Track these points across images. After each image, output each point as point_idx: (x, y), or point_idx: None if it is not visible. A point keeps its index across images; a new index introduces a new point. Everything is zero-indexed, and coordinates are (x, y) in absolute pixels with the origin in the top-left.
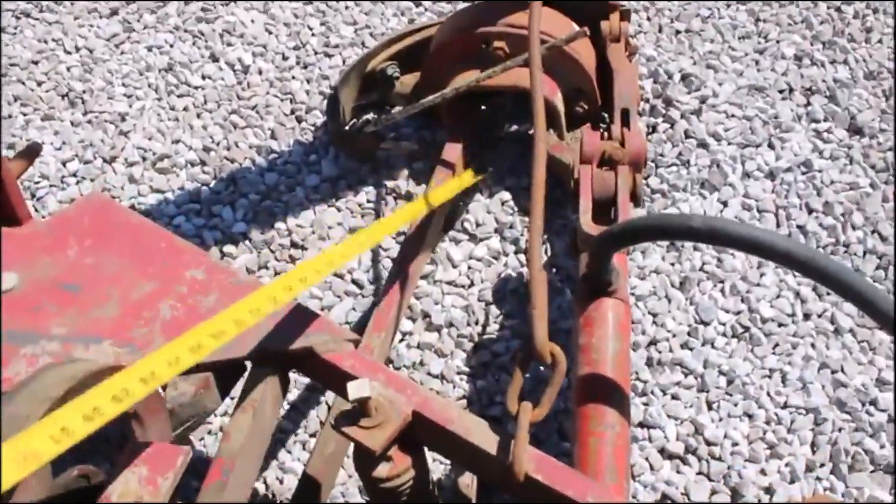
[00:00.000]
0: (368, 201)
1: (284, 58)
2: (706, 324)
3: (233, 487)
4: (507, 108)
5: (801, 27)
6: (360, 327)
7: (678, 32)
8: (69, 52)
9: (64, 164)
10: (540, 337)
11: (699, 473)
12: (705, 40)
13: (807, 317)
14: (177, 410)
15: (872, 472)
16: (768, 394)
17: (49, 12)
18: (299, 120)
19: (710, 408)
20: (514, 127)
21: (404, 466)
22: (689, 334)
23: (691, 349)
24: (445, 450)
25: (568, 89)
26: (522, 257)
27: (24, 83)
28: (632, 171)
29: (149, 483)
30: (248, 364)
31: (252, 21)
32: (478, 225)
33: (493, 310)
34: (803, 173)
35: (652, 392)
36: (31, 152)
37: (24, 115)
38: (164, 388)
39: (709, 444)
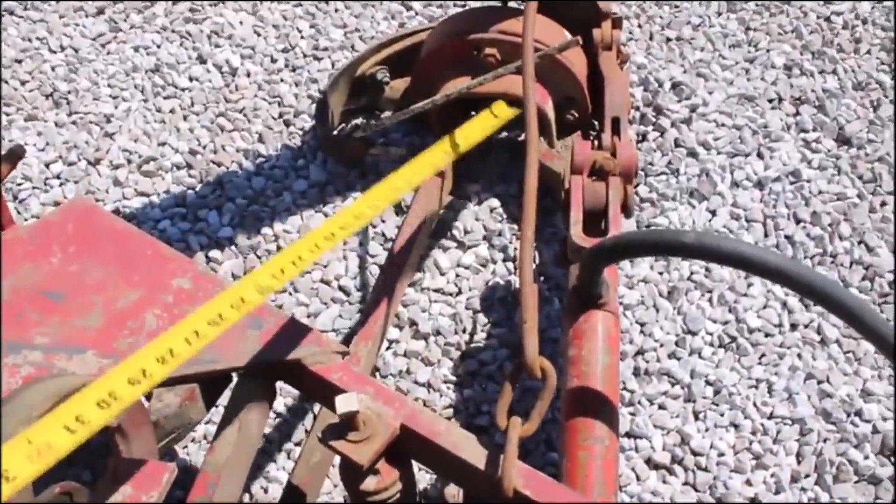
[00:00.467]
0: None
1: (273, 60)
2: (693, 333)
3: (218, 502)
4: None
5: (791, 37)
6: (347, 334)
7: (669, 40)
8: (54, 52)
9: (47, 165)
10: (530, 351)
11: (685, 484)
12: (696, 48)
13: (793, 327)
14: (161, 422)
15: (857, 482)
16: (755, 404)
17: (34, 10)
18: (287, 124)
19: (696, 418)
20: (504, 134)
21: (391, 480)
22: (676, 344)
23: (678, 359)
24: (433, 463)
25: (559, 97)
26: (511, 265)
27: (7, 82)
28: (623, 182)
29: (133, 500)
30: (234, 375)
31: (240, 22)
32: (466, 232)
33: (481, 318)
34: (791, 183)
35: (639, 402)
36: (15, 155)
37: (7, 115)
38: (149, 399)
39: (695, 454)
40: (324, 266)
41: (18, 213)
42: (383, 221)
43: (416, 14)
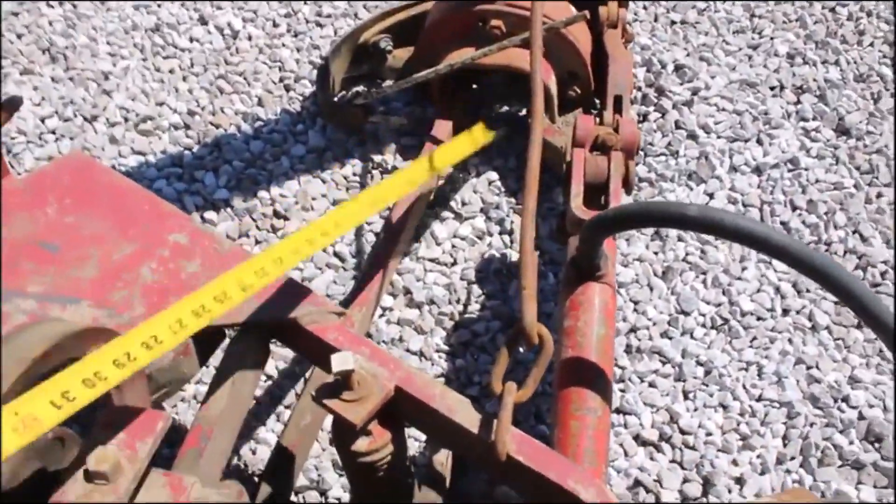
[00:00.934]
0: (354, 174)
1: (275, 24)
2: (687, 314)
3: (210, 455)
4: (498, 89)
5: (796, 25)
6: (341, 300)
7: (673, 23)
8: (52, 6)
9: (43, 120)
10: (529, 318)
11: (672, 461)
12: (700, 32)
13: (785, 312)
14: (154, 375)
15: (840, 466)
16: (744, 386)
17: None
18: (287, 89)
19: (686, 397)
20: (504, 108)
21: (384, 441)
22: (669, 323)
23: (671, 338)
24: (427, 427)
25: (562, 73)
26: (507, 238)
27: (2, 35)
28: (624, 157)
29: (127, 447)
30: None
31: None
32: (463, 204)
33: (475, 289)
34: (790, 170)
35: (629, 379)
36: (11, 105)
37: (2, 67)
38: None
39: (683, 432)
40: None
41: (12, 166)
42: None
43: None
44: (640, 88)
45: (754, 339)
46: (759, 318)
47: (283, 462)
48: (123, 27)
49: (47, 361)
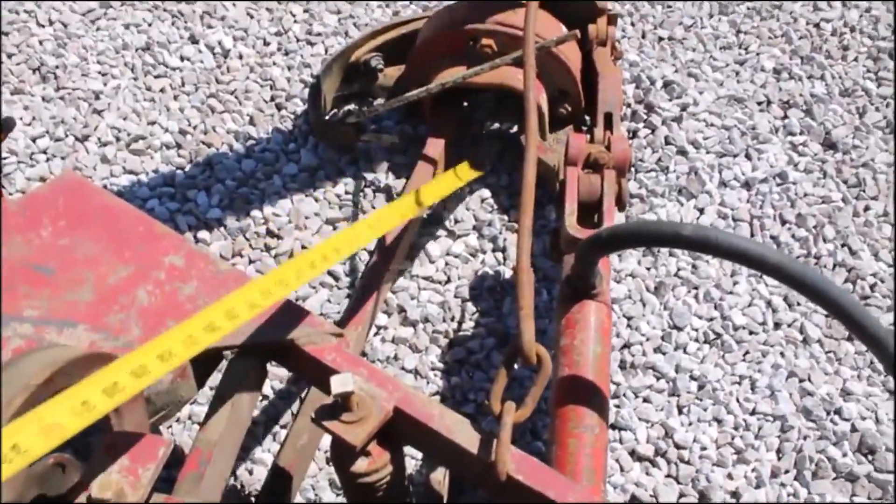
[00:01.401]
0: (347, 192)
1: (266, 43)
2: (679, 329)
3: (210, 478)
4: (489, 106)
5: (781, 41)
6: (335, 319)
7: (661, 39)
8: (42, 25)
9: (34, 140)
10: (527, 337)
11: (668, 476)
12: (687, 49)
13: (777, 326)
14: (152, 399)
15: (835, 479)
16: (737, 400)
17: None
18: (279, 107)
19: (680, 412)
20: (495, 125)
21: (383, 462)
22: (662, 339)
23: (664, 353)
24: (425, 446)
25: (553, 91)
26: (500, 255)
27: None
28: (617, 175)
29: (130, 473)
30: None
31: (234, 4)
32: (456, 221)
33: (470, 307)
34: (778, 185)
35: (624, 395)
36: (5, 126)
37: (2, 70)
38: None
39: (678, 447)
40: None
41: (3, 187)
42: (374, 208)
43: (410, 2)
44: (629, 105)
45: (747, 353)
46: (751, 332)
47: (280, 482)
48: (114, 46)
49: (49, 388)
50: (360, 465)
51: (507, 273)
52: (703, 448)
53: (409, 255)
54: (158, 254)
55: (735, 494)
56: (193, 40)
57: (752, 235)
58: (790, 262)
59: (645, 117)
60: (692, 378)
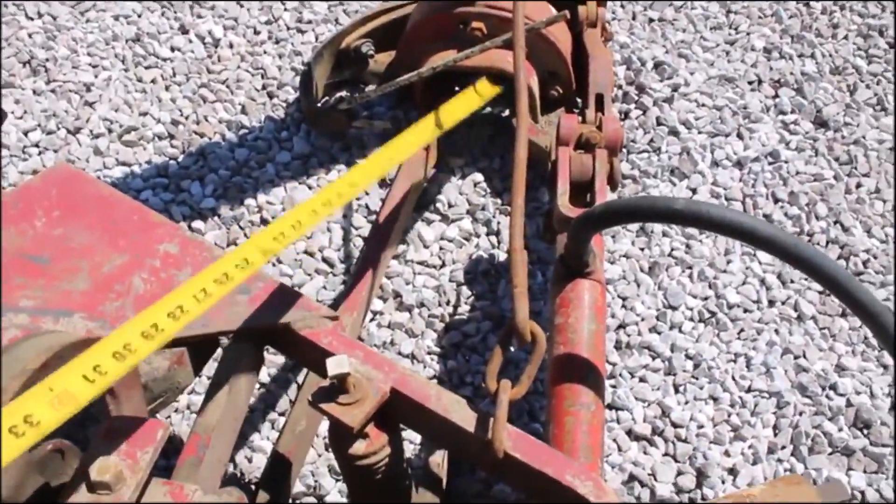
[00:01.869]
0: None
1: (256, 32)
2: (674, 308)
3: (209, 463)
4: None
5: (771, 20)
6: (330, 305)
7: (651, 21)
8: (31, 18)
9: (26, 133)
10: (521, 315)
11: (665, 455)
12: (678, 29)
13: (771, 303)
14: (150, 385)
15: (831, 454)
16: (733, 378)
17: None
18: (271, 96)
19: (676, 391)
20: (487, 109)
21: (381, 444)
22: (657, 318)
23: (659, 333)
24: (423, 427)
25: (543, 73)
26: (494, 239)
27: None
28: (609, 154)
29: (128, 456)
30: (223, 340)
31: None
32: (450, 206)
33: (465, 291)
34: (770, 163)
35: (620, 374)
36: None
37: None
38: None
39: (675, 426)
40: (307, 237)
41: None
42: (367, 194)
43: None
44: (620, 86)
45: (742, 330)
46: (745, 310)
47: (279, 469)
48: (104, 38)
49: (45, 373)
50: (359, 447)
51: (502, 256)
52: (700, 426)
53: (403, 240)
54: (153, 242)
55: (732, 471)
56: (184, 30)
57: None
58: (782, 235)
59: (636, 98)
60: (688, 357)
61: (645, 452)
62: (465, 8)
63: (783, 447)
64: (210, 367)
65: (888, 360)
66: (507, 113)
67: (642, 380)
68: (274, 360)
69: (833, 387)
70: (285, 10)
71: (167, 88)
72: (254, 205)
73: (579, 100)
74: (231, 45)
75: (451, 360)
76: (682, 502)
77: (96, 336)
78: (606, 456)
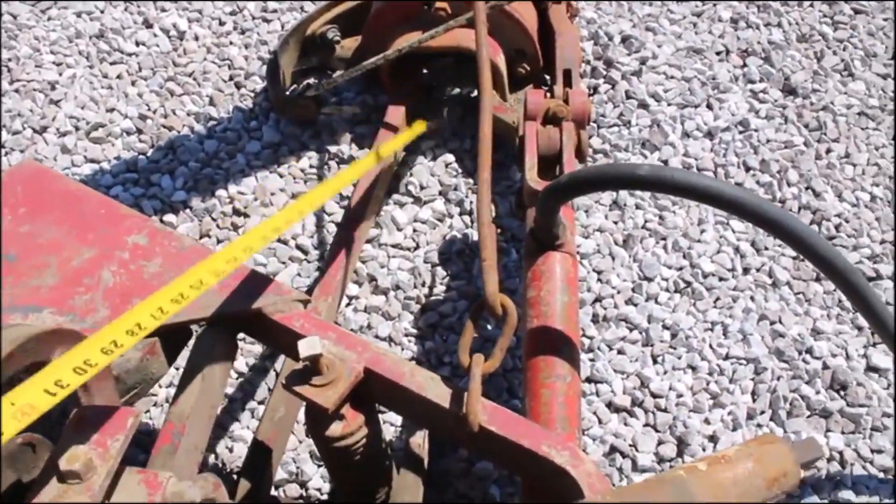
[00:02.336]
0: (311, 166)
1: (221, 23)
2: (650, 280)
3: (184, 450)
4: (448, 72)
5: None
6: (306, 293)
7: None
8: None
9: None
10: (490, 288)
11: (646, 425)
12: (644, 3)
13: (746, 271)
14: (122, 377)
15: (809, 416)
16: (711, 346)
17: None
18: (238, 86)
19: (654, 361)
20: (456, 90)
21: (357, 424)
22: (633, 290)
23: (636, 305)
24: (398, 406)
25: (510, 50)
26: (467, 219)
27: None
28: (576, 127)
29: (98, 445)
30: (195, 329)
31: None
32: (422, 188)
33: (440, 271)
34: (741, 132)
35: (598, 348)
36: None
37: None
38: None
39: (654, 396)
40: None
41: None
42: None
43: None
44: (588, 62)
45: (717, 299)
46: (720, 279)
47: (260, 457)
48: (67, 35)
49: (11, 365)
50: (335, 429)
51: (475, 236)
52: (679, 395)
53: (376, 224)
54: (121, 234)
55: (713, 438)
56: (148, 24)
57: None
58: (746, 195)
59: (605, 73)
60: (665, 327)
61: (625, 424)
62: None
63: (762, 412)
64: (186, 358)
65: (862, 321)
66: (476, 93)
67: (620, 352)
68: (252, 349)
69: (809, 350)
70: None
71: (133, 83)
72: (225, 196)
73: (548, 77)
74: (196, 38)
75: (429, 341)
76: (663, 471)
77: (65, 329)
78: (587, 429)
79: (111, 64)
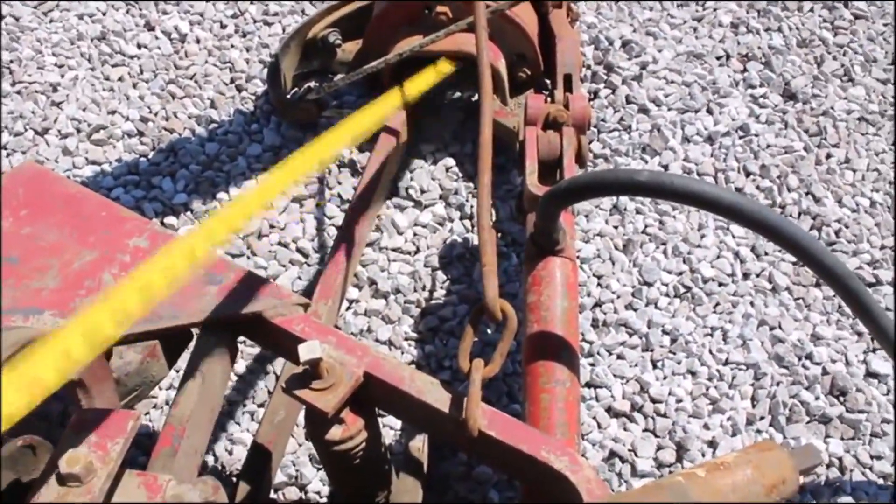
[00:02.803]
0: None
1: (223, 26)
2: (649, 285)
3: (184, 453)
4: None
5: None
6: (306, 296)
7: (618, 0)
8: None
9: None
10: (490, 293)
11: (645, 430)
12: (644, 8)
13: (746, 276)
14: (123, 380)
15: (808, 422)
16: (710, 351)
17: None
18: (239, 89)
19: (654, 366)
20: (457, 94)
21: (357, 428)
22: (633, 295)
23: (635, 310)
24: (398, 410)
25: (511, 55)
26: (468, 223)
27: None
28: (577, 132)
29: (98, 448)
30: (195, 332)
31: None
32: (422, 191)
33: (440, 275)
34: (741, 137)
35: (598, 353)
36: None
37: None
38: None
39: (654, 401)
40: (281, 229)
41: None
42: (339, 183)
43: None
44: (589, 66)
45: (717, 304)
46: (720, 284)
47: (259, 460)
48: (69, 37)
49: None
50: (335, 432)
51: (476, 240)
52: (679, 400)
53: (376, 227)
54: (123, 237)
55: (712, 444)
56: (149, 27)
57: None
58: (745, 201)
59: (605, 78)
60: (664, 332)
61: (625, 429)
62: None
63: (762, 418)
64: (186, 360)
65: (862, 327)
66: (476, 98)
67: (620, 357)
68: (252, 351)
69: (809, 356)
70: (251, 3)
71: (135, 86)
72: (226, 198)
73: (548, 81)
74: (198, 40)
75: (429, 345)
76: (662, 476)
77: None
78: (587, 434)
79: (113, 66)
